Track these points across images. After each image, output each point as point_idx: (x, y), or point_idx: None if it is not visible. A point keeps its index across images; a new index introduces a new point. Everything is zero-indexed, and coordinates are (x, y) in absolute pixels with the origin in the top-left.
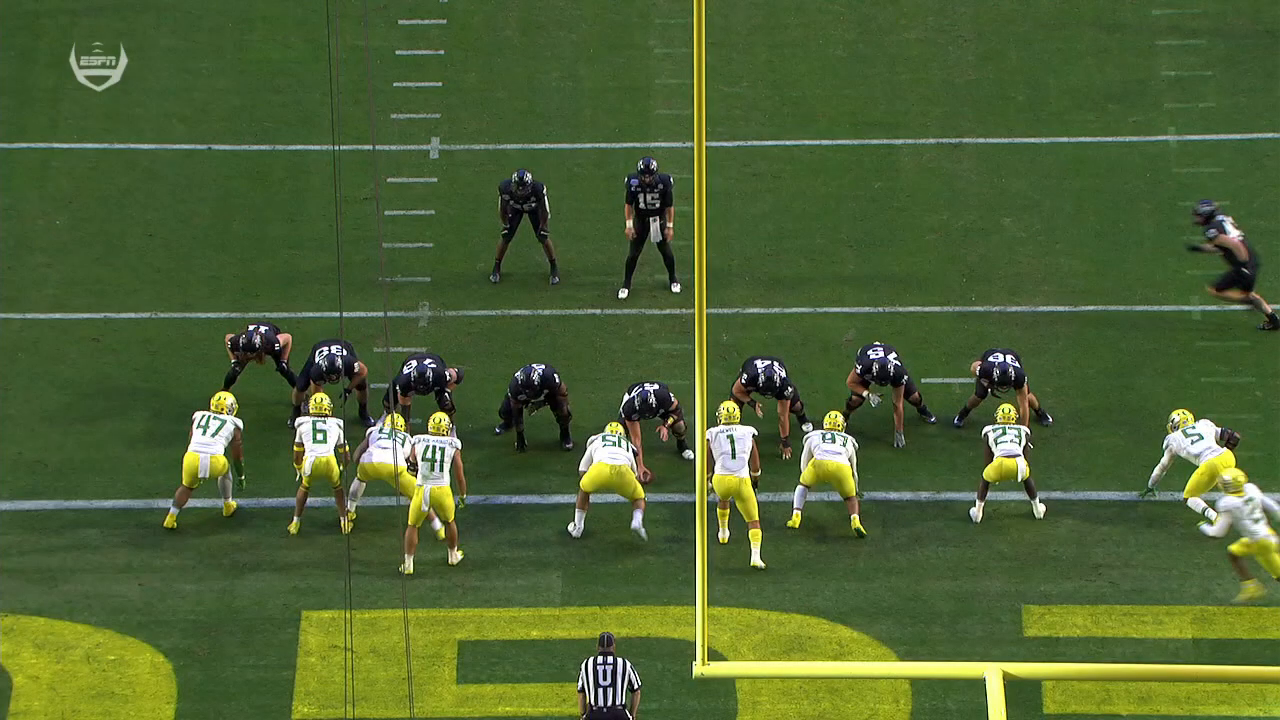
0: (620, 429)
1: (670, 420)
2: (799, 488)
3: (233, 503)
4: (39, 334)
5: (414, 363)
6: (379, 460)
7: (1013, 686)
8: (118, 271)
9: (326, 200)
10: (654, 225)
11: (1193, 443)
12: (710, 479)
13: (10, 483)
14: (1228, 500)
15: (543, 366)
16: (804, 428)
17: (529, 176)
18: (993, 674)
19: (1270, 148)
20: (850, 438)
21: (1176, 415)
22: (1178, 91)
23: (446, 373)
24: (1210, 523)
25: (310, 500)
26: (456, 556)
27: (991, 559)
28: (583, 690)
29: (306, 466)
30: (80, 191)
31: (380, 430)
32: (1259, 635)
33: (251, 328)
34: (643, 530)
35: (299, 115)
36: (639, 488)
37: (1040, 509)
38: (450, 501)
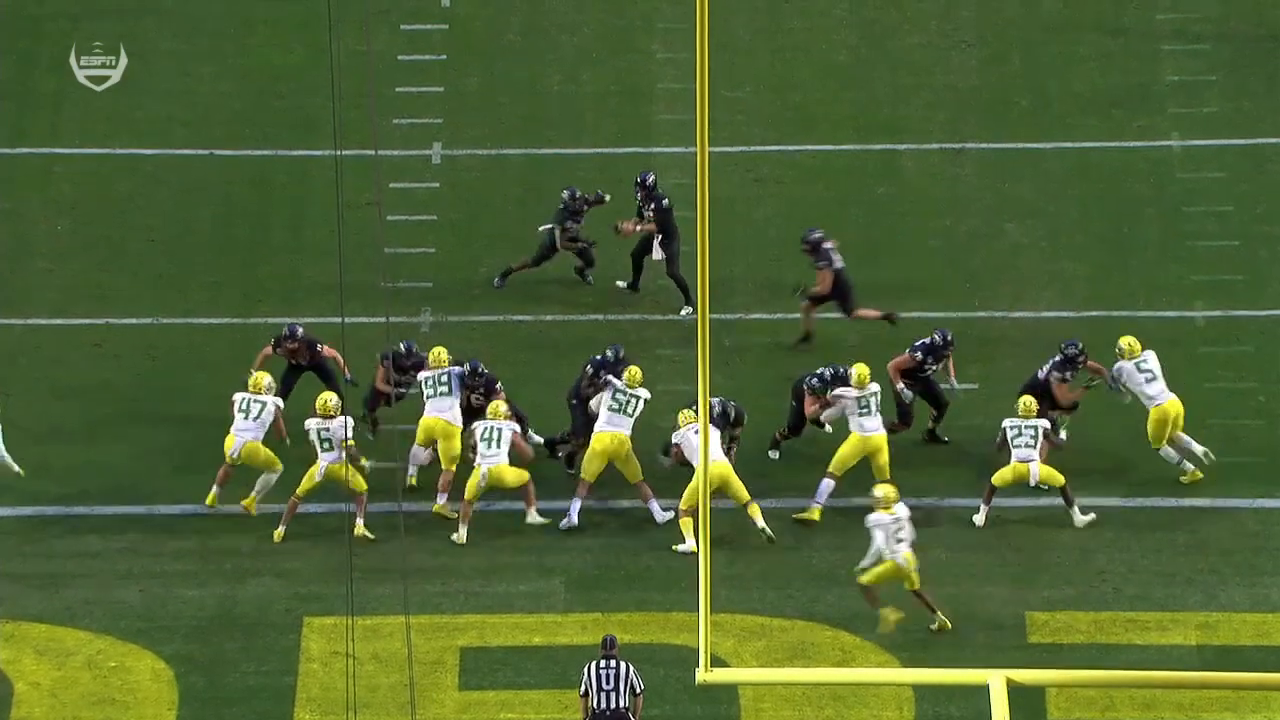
0: (639, 375)
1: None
2: (825, 480)
3: (253, 501)
4: (40, 339)
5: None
6: (438, 415)
7: (1016, 693)
8: (119, 277)
9: (328, 205)
10: (655, 244)
11: (1147, 380)
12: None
13: (11, 488)
14: (876, 515)
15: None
16: (771, 455)
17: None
18: (996, 680)
19: (1274, 152)
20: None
21: (1124, 343)
22: (1181, 96)
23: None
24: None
25: (312, 506)
26: (535, 516)
27: (995, 565)
28: (585, 694)
29: (317, 475)
30: (82, 196)
31: (431, 383)
32: (1263, 642)
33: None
34: (666, 514)
35: (301, 120)
36: (637, 466)
37: (1082, 518)
38: (510, 478)
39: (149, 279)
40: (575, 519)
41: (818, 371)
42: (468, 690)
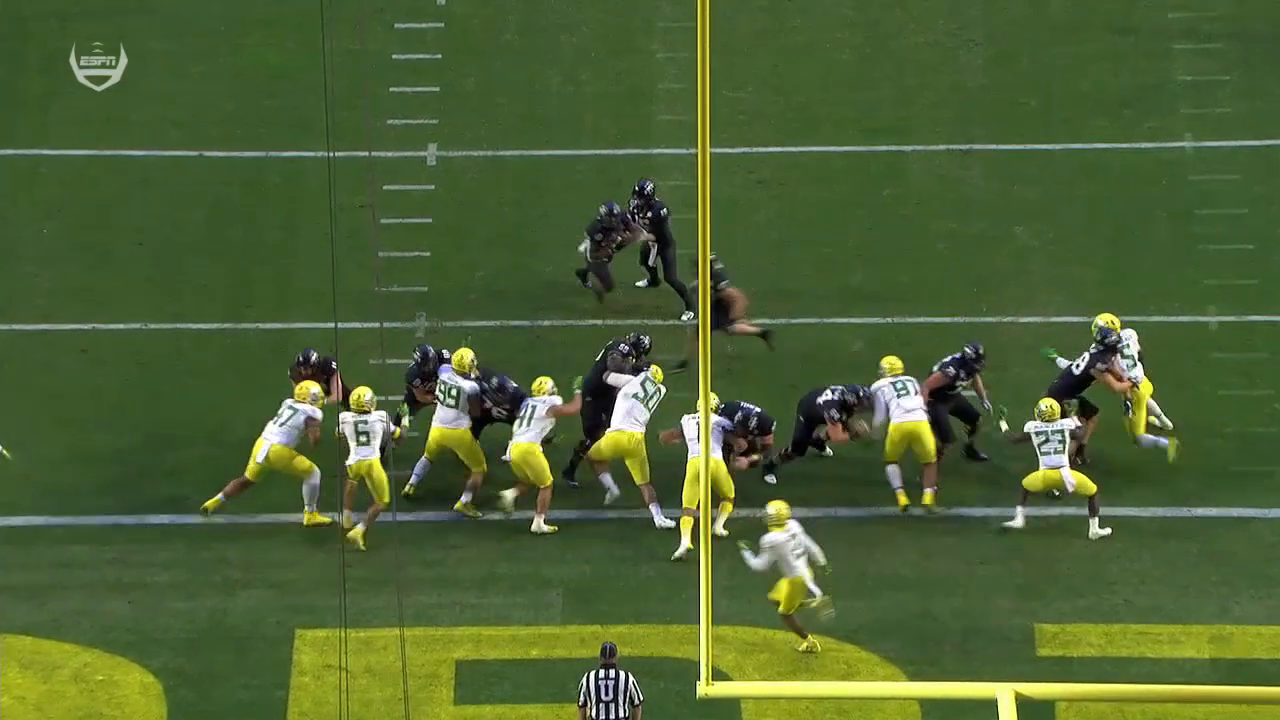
0: (661, 374)
1: (752, 457)
2: (890, 467)
3: (318, 514)
4: (26, 345)
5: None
6: (444, 426)
7: (1025, 707)
8: (107, 281)
9: (322, 208)
10: (652, 251)
11: (1128, 367)
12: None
13: None
14: (771, 535)
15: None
16: (768, 479)
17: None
18: (1004, 694)
19: None
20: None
21: (1103, 320)
22: (1194, 96)
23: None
24: (755, 551)
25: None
26: (540, 525)
27: (1003, 576)
28: (583, 704)
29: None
30: (70, 198)
31: (444, 390)
32: (1278, 655)
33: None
34: (667, 520)
35: (294, 121)
36: (646, 468)
37: (1098, 531)
38: (535, 460)
39: (138, 283)
40: (615, 489)
41: (834, 399)
42: (463, 704)
